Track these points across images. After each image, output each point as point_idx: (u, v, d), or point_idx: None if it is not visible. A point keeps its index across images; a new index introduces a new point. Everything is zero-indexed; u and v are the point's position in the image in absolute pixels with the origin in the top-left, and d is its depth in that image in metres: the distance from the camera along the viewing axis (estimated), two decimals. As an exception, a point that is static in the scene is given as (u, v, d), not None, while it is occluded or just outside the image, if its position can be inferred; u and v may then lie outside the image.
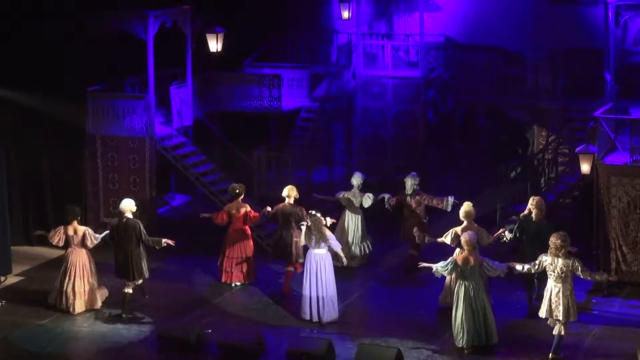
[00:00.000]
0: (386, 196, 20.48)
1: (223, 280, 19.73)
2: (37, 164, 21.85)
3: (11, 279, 20.04)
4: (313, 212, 17.90)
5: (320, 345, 15.96)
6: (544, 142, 22.90)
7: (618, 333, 17.10)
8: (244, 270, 19.68)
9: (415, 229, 18.90)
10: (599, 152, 18.98)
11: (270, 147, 24.80)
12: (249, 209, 19.65)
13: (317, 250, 17.77)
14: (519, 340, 16.89)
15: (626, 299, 18.44)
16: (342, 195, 20.79)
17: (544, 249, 16.17)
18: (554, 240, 15.93)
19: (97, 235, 18.39)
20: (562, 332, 16.00)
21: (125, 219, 17.99)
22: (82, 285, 18.31)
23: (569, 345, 16.58)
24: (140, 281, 18.29)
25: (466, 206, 17.90)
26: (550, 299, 15.99)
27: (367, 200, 20.61)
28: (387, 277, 20.13)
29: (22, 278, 20.17)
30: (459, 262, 16.38)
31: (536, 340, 16.83)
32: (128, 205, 18.10)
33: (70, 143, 21.69)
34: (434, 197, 20.21)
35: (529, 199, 18.32)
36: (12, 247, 20.58)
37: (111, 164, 22.22)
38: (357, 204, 20.69)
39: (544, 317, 16.14)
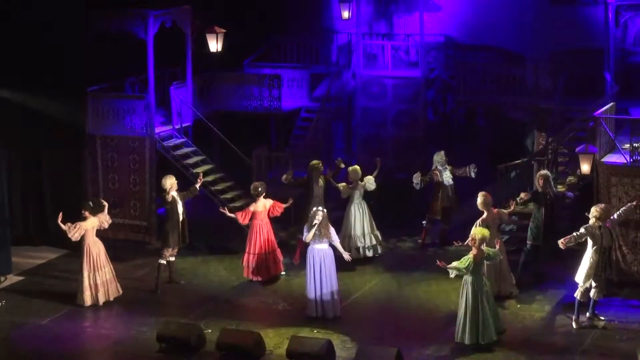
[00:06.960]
0: (415, 181, 20.99)
1: (247, 276, 19.73)
2: (37, 164, 21.84)
3: (11, 279, 20.04)
4: (318, 208, 17.92)
5: (320, 345, 15.95)
6: (544, 142, 22.85)
7: (618, 333, 17.10)
8: (270, 265, 19.73)
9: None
10: (599, 152, 18.98)
11: (270, 147, 24.78)
12: (272, 202, 19.79)
13: (318, 246, 17.82)
14: (519, 340, 16.94)
15: (626, 299, 18.43)
16: (342, 187, 20.91)
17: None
18: None
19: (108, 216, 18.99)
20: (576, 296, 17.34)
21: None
22: (110, 273, 18.76)
23: (569, 345, 16.60)
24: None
25: (480, 197, 18.48)
26: None
27: (370, 184, 20.77)
28: (388, 277, 20.12)
29: (22, 278, 20.16)
30: (477, 259, 16.37)
31: (535, 340, 16.89)
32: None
33: (70, 143, 21.68)
34: (457, 168, 21.34)
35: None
36: (12, 247, 20.60)
37: (111, 164, 22.21)
38: (361, 194, 20.79)
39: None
